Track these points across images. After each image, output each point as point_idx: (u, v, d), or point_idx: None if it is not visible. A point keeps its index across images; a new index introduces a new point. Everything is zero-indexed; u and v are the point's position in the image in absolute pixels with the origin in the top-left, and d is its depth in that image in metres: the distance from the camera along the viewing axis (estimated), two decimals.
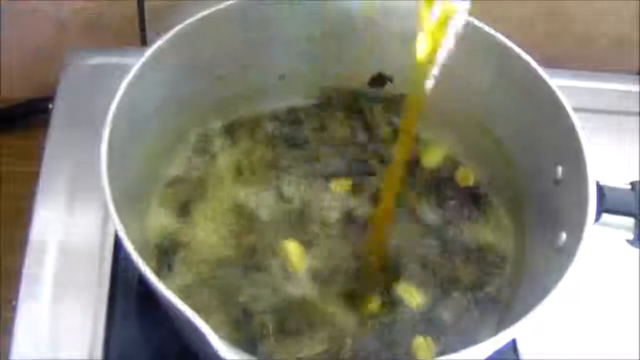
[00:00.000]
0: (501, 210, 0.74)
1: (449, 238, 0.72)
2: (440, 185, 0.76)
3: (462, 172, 0.77)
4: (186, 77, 0.71)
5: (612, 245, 0.70)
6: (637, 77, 1.00)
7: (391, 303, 0.67)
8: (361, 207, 0.74)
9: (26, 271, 0.72)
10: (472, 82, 0.74)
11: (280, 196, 0.74)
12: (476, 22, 0.70)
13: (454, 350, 0.58)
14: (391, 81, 0.78)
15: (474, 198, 0.75)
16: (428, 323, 0.67)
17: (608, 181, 0.65)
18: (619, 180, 0.66)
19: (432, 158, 0.78)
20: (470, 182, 0.77)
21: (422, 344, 0.65)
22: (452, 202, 0.75)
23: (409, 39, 0.74)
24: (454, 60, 0.73)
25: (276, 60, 0.77)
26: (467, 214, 0.74)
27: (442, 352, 0.65)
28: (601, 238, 0.61)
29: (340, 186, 0.75)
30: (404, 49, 0.74)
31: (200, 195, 0.73)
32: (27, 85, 0.97)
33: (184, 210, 0.71)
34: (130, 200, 0.64)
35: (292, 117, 0.80)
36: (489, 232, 0.73)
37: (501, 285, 0.70)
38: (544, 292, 0.55)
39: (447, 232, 0.73)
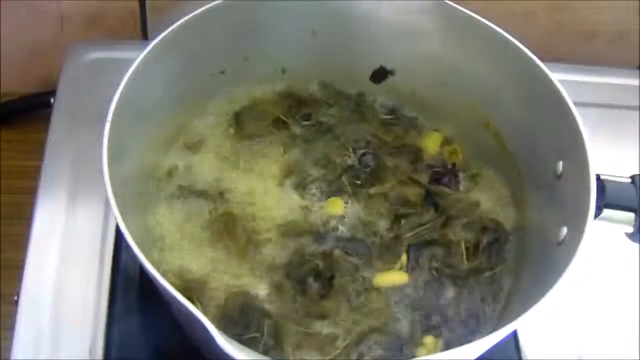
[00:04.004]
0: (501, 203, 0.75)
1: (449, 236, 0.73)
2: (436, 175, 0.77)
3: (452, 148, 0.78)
4: (187, 70, 0.71)
5: (612, 239, 0.70)
6: (638, 71, 1.00)
7: None
8: None
9: (28, 266, 0.72)
10: (473, 76, 0.74)
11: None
12: (478, 17, 0.70)
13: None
14: (392, 75, 0.78)
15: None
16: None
17: (608, 175, 0.65)
18: (620, 173, 0.66)
19: (432, 146, 0.78)
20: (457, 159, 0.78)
21: (430, 342, 0.65)
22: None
23: (410, 33, 0.74)
24: (456, 54, 0.74)
25: (277, 53, 0.77)
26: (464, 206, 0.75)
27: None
28: (601, 232, 0.61)
29: None
30: (404, 43, 0.75)
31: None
32: (29, 80, 0.97)
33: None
34: (131, 193, 0.64)
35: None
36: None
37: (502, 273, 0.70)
38: (545, 287, 0.55)
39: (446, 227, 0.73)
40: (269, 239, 0.70)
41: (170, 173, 0.73)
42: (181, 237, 0.69)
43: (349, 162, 0.76)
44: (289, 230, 0.71)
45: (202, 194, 0.72)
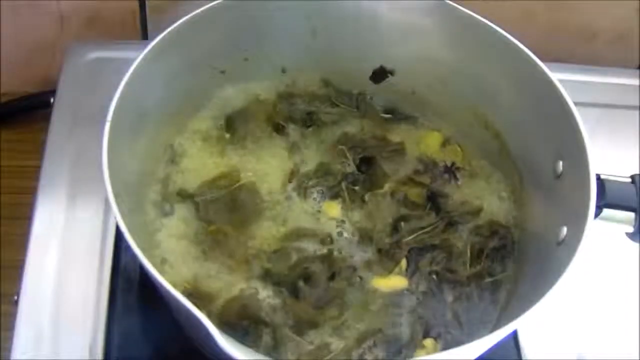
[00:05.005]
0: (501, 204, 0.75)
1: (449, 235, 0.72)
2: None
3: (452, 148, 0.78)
4: (187, 70, 0.71)
5: (612, 239, 0.70)
6: (638, 71, 1.00)
7: None
8: None
9: (28, 266, 0.72)
10: (473, 76, 0.74)
11: None
12: (478, 17, 0.70)
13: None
14: (392, 74, 0.78)
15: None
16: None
17: (608, 175, 0.65)
18: (620, 173, 0.66)
19: (432, 146, 0.78)
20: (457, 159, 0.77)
21: (430, 345, 0.65)
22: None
23: (410, 33, 0.74)
24: (456, 54, 0.74)
25: (277, 53, 0.77)
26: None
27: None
28: (601, 232, 0.61)
29: None
30: (404, 43, 0.75)
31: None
32: (28, 80, 0.97)
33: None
34: (131, 194, 0.64)
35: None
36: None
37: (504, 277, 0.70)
38: (545, 287, 0.55)
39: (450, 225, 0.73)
40: (270, 244, 0.70)
41: (169, 174, 0.72)
42: (181, 239, 0.69)
43: (349, 165, 0.76)
44: (290, 235, 0.71)
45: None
